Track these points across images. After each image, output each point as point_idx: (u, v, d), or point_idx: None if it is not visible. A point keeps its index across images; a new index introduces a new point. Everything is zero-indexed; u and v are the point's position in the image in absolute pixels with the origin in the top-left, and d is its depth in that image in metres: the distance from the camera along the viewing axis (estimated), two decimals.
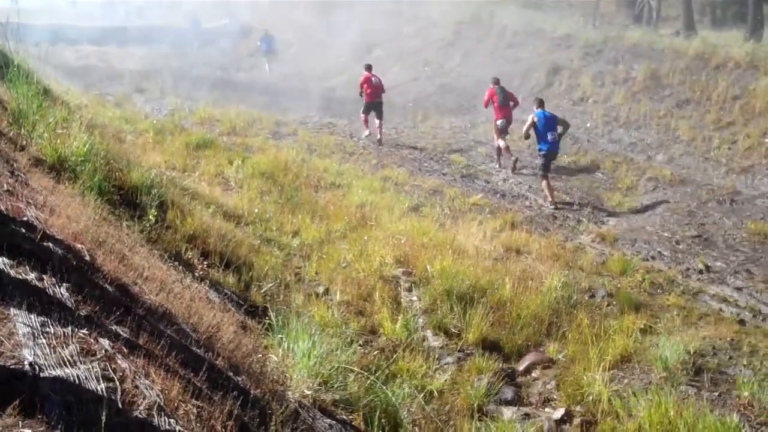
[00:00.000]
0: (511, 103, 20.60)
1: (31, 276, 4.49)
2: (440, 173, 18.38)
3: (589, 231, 15.18)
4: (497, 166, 20.24)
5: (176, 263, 7.63)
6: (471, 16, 31.73)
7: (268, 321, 7.30)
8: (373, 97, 21.97)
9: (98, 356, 3.90)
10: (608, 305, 10.91)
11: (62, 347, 3.84)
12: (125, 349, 4.16)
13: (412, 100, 27.26)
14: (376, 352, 8.34)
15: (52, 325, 4.00)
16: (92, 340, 4.03)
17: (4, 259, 4.56)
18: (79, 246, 5.46)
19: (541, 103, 17.94)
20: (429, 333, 9.20)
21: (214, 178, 14.07)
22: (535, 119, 17.50)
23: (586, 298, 11.06)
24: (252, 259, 9.64)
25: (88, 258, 5.38)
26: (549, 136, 17.26)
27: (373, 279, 10.15)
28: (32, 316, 4.02)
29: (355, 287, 9.85)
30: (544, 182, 17.41)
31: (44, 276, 4.54)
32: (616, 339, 9.28)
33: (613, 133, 21.85)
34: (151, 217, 8.44)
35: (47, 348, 3.78)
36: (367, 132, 22.15)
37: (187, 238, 8.93)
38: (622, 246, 14.28)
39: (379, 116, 21.87)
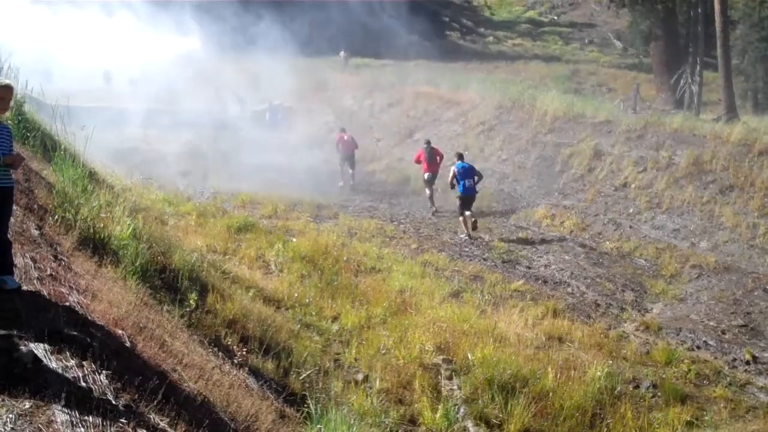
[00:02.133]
0: (438, 158, 24.67)
1: (72, 363, 4.49)
2: (481, 258, 18.28)
3: (632, 319, 14.94)
4: (432, 208, 23.95)
5: (215, 349, 7.61)
6: (512, 101, 31.82)
7: (306, 409, 7.21)
8: (346, 152, 27.43)
9: None
10: (653, 396, 10.71)
11: None
12: None
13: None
14: None
15: (90, 414, 3.98)
16: (130, 430, 4.00)
17: (46, 345, 4.57)
18: (119, 332, 5.46)
19: (460, 157, 22.08)
20: (470, 423, 9.04)
21: (255, 262, 14.10)
22: (455, 170, 21.42)
23: (631, 389, 10.86)
24: (291, 345, 9.60)
25: (128, 344, 5.38)
26: (466, 183, 21.06)
27: (413, 366, 10.04)
28: (71, 404, 4.00)
29: (394, 375, 9.75)
30: (461, 218, 21.15)
31: (84, 363, 4.54)
32: None
33: (656, 219, 21.64)
34: (191, 301, 8.45)
35: None
36: (341, 183, 27.44)
37: (227, 323, 8.92)
38: (667, 335, 14.03)
39: (351, 167, 27.34)
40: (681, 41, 42.91)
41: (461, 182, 21.10)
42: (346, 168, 27.41)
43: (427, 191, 24.23)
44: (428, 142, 25.17)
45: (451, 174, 21.62)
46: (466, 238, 20.39)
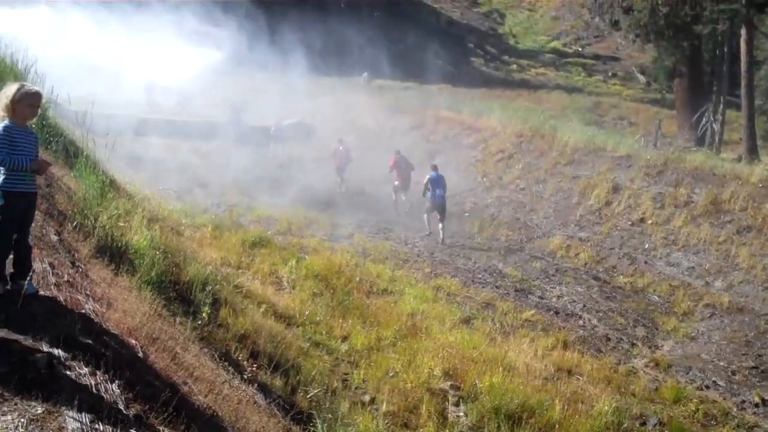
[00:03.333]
0: (410, 169, 27.50)
1: (85, 370, 4.53)
2: (493, 286, 18.26)
3: (642, 355, 14.90)
4: (399, 210, 26.91)
5: (226, 363, 7.63)
6: (533, 131, 31.85)
7: (312, 429, 7.23)
8: (338, 163, 30.05)
9: None
10: None
11: None
12: None
13: (468, 210, 27.33)
14: None
15: (101, 422, 4.02)
16: None
17: (60, 351, 4.61)
18: (133, 342, 5.50)
19: (435, 168, 24.52)
20: None
21: (268, 277, 14.13)
22: (429, 178, 24.07)
23: (637, 425, 10.83)
24: (300, 363, 9.61)
25: (141, 354, 5.42)
26: (437, 191, 23.70)
27: (421, 391, 10.04)
28: (83, 412, 4.04)
29: (401, 398, 9.75)
30: (425, 216, 24.12)
31: (97, 371, 4.58)
32: None
33: (672, 256, 21.57)
34: (204, 314, 8.48)
35: None
36: (343, 188, 29.55)
37: (238, 338, 8.96)
38: (676, 373, 13.98)
39: (341, 175, 29.84)
40: (705, 79, 42.86)
41: (433, 191, 23.83)
42: (340, 178, 29.94)
43: (394, 197, 27.36)
44: (399, 152, 28.12)
45: (425, 181, 24.30)
46: (428, 234, 23.49)
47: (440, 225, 23.15)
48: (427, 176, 24.29)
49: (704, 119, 38.09)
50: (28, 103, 5.40)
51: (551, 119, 35.00)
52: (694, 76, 42.53)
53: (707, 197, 22.75)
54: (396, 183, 27.30)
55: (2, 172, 5.28)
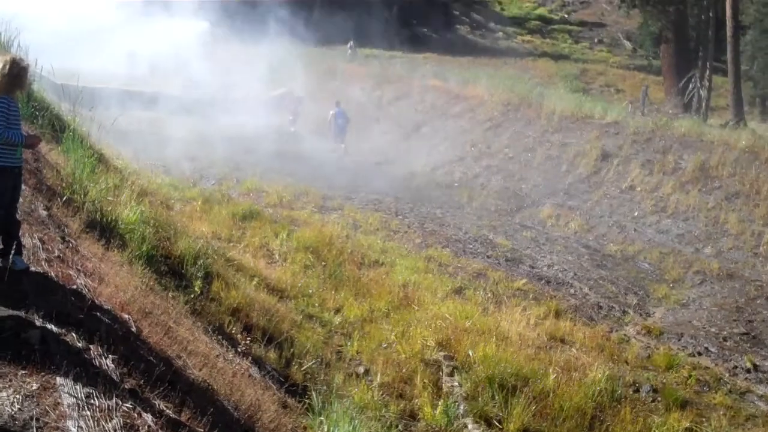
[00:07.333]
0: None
1: (79, 346, 4.49)
2: (484, 256, 18.24)
3: (634, 323, 14.93)
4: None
5: (219, 337, 7.60)
6: (520, 99, 31.73)
7: (308, 401, 7.21)
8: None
9: None
10: (653, 401, 10.73)
11: (106, 420, 3.80)
12: (168, 427, 4.11)
13: (457, 180, 27.26)
14: None
15: (97, 397, 3.97)
16: (136, 415, 4.00)
17: (53, 327, 4.56)
18: (126, 316, 5.45)
19: (338, 104, 30.77)
20: (469, 421, 9.03)
21: (259, 250, 14.07)
22: (333, 113, 30.35)
23: (631, 393, 10.86)
24: (294, 335, 9.59)
25: (134, 329, 5.38)
26: (339, 121, 30.13)
27: (415, 361, 10.04)
28: (78, 387, 4.00)
29: (395, 369, 9.75)
30: (333, 143, 30.08)
31: (91, 346, 4.54)
32: None
33: (661, 223, 21.61)
34: (196, 288, 8.44)
35: (91, 421, 3.75)
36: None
37: (231, 311, 8.92)
38: (668, 340, 14.03)
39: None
40: (691, 44, 42.73)
41: (336, 121, 30.16)
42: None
43: (290, 121, 33.69)
44: (301, 97, 34.34)
45: (330, 115, 30.43)
46: (344, 153, 29.46)
47: (342, 144, 29.82)
48: (331, 111, 30.50)
49: (691, 85, 37.99)
50: (15, 74, 5.30)
51: (538, 87, 34.93)
52: (680, 41, 42.38)
53: (695, 163, 22.80)
54: (290, 118, 33.29)
55: None
